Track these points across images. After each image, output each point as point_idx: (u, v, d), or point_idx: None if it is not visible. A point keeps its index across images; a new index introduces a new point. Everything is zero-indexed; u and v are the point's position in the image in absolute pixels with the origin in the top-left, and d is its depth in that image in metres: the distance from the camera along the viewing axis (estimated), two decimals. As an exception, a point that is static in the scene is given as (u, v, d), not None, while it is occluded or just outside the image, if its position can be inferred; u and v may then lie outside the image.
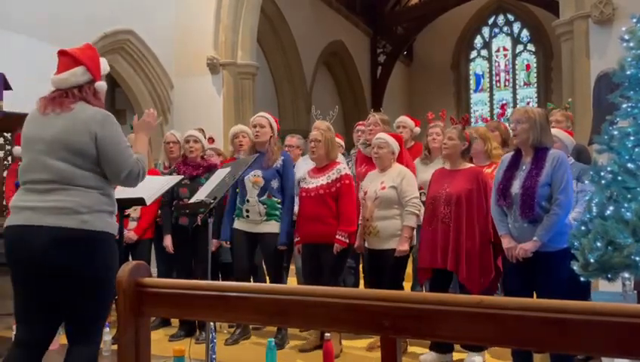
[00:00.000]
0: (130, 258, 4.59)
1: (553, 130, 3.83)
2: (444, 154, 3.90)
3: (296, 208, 4.46)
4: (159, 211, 4.81)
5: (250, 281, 4.48)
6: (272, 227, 4.26)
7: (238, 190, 4.39)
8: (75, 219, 2.27)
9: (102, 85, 2.53)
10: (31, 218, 2.28)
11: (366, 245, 4.14)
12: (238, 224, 4.38)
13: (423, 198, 4.39)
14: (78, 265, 2.29)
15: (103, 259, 2.36)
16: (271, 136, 4.37)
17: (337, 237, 4.00)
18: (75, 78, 2.43)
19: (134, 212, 4.66)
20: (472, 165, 3.89)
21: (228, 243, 4.49)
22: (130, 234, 4.64)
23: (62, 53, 2.50)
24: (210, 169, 4.52)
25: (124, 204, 3.36)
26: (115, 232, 2.47)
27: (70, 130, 2.34)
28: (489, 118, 15.46)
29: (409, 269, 4.38)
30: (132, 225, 4.69)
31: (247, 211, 4.30)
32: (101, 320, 2.49)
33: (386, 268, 3.98)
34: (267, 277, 4.56)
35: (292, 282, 5.51)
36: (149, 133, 2.74)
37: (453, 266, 3.64)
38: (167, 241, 4.59)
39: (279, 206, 4.30)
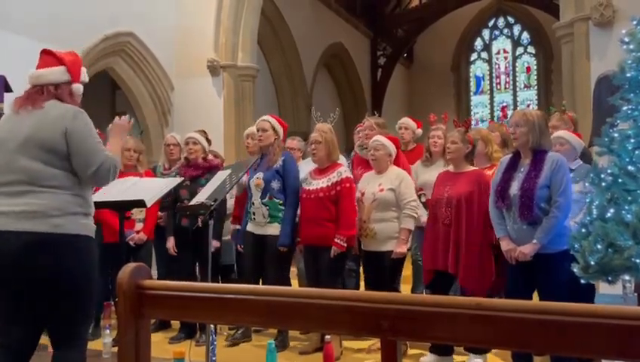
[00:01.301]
0: (131, 259, 4.59)
1: (561, 132, 3.85)
2: (448, 158, 3.91)
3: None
4: (159, 213, 4.82)
5: (257, 283, 4.49)
6: (275, 229, 4.27)
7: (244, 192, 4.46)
8: (47, 223, 2.23)
9: (78, 87, 2.50)
10: (5, 224, 2.23)
11: (362, 246, 4.16)
12: (248, 226, 4.42)
13: (423, 200, 4.40)
14: (53, 270, 2.25)
15: (80, 262, 2.31)
16: (275, 139, 4.38)
17: (336, 240, 4.00)
18: (54, 75, 2.42)
19: (140, 213, 4.66)
20: (475, 168, 3.89)
21: (241, 246, 4.52)
22: (141, 235, 4.64)
23: (45, 52, 2.49)
24: (211, 170, 4.53)
25: (125, 206, 3.37)
26: (92, 234, 2.41)
27: (41, 127, 2.31)
28: (492, 120, 15.45)
29: (408, 272, 4.38)
30: (138, 226, 4.69)
31: (254, 213, 4.33)
32: (83, 323, 2.44)
33: (383, 270, 3.99)
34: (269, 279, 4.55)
35: (293, 284, 5.50)
36: (123, 136, 2.72)
37: (453, 268, 3.64)
38: (170, 243, 4.60)
39: (281, 207, 4.30)
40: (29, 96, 2.41)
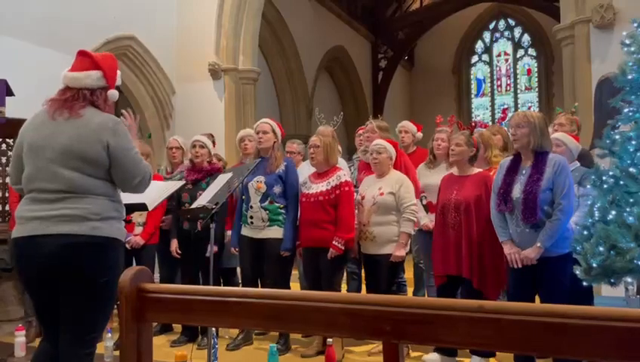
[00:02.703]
0: (134, 263, 4.59)
1: (558, 134, 3.83)
2: (452, 161, 3.87)
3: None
4: (163, 216, 4.82)
5: (256, 286, 4.49)
6: (275, 232, 4.27)
7: (244, 197, 4.41)
8: (86, 226, 2.26)
9: (114, 93, 2.48)
10: (37, 228, 2.25)
11: (361, 250, 4.16)
12: (244, 230, 4.40)
13: (424, 202, 4.40)
14: (88, 269, 2.27)
15: (112, 264, 2.34)
16: (274, 142, 4.38)
17: (334, 243, 4.01)
18: (91, 80, 2.39)
19: (140, 217, 4.66)
20: (480, 170, 3.87)
21: (236, 249, 4.51)
22: (137, 239, 4.63)
23: (82, 54, 2.45)
24: (212, 173, 4.53)
25: (127, 209, 3.37)
26: (124, 238, 2.46)
27: (81, 138, 2.29)
28: (487, 124, 15.44)
29: (410, 274, 4.38)
30: (138, 230, 4.69)
31: (251, 217, 4.31)
32: (102, 324, 2.45)
33: (381, 273, 3.99)
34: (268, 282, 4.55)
35: (295, 287, 5.50)
36: (134, 135, 2.66)
37: (468, 273, 3.61)
38: (174, 246, 4.61)
39: (282, 211, 4.30)
40: (66, 100, 2.36)
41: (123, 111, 2.73)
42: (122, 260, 2.44)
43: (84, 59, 2.43)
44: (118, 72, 2.55)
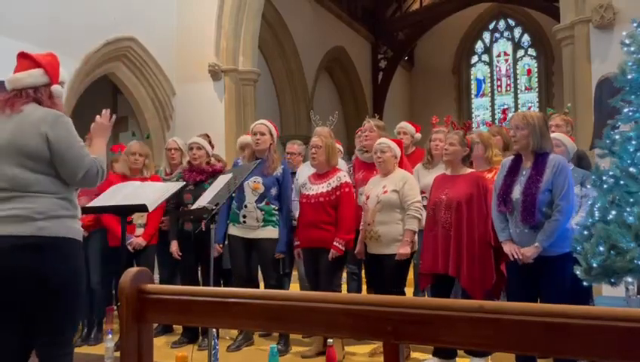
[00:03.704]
0: (134, 264, 4.59)
1: (557, 134, 3.84)
2: (445, 160, 3.89)
3: (296, 214, 4.48)
4: (162, 217, 4.82)
5: (250, 287, 4.48)
6: (269, 233, 4.28)
7: (234, 195, 4.40)
8: (32, 226, 2.21)
9: (58, 89, 2.45)
10: None
11: (367, 250, 4.15)
12: (233, 230, 4.37)
13: (425, 203, 4.39)
14: (40, 272, 2.21)
15: (66, 264, 2.28)
16: (271, 144, 4.38)
17: (335, 244, 4.02)
18: (33, 78, 2.38)
19: (141, 218, 4.66)
20: (473, 170, 3.89)
21: (221, 246, 4.49)
22: (139, 240, 4.63)
23: (22, 56, 2.46)
24: (214, 174, 4.53)
25: (127, 210, 3.37)
26: (79, 237, 2.37)
27: (22, 132, 2.27)
28: (491, 123, 15.45)
29: (410, 275, 4.37)
30: (139, 231, 4.69)
31: (244, 216, 4.30)
32: (69, 329, 2.38)
33: (388, 272, 3.98)
34: (263, 283, 4.54)
35: (295, 288, 5.50)
36: (106, 135, 2.63)
37: (454, 271, 3.63)
38: (174, 247, 4.60)
39: (276, 212, 4.33)
40: (8, 100, 2.35)
41: (104, 110, 2.69)
42: (80, 259, 2.38)
43: (25, 61, 2.44)
44: (62, 69, 2.52)
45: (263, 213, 4.28)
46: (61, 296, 2.27)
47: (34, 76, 2.39)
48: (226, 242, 4.66)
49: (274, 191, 4.31)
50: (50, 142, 2.27)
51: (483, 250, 3.60)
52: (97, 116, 2.64)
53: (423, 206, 4.28)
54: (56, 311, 2.28)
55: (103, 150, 2.57)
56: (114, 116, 2.67)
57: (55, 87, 2.44)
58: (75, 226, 2.36)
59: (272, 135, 4.40)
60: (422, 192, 4.40)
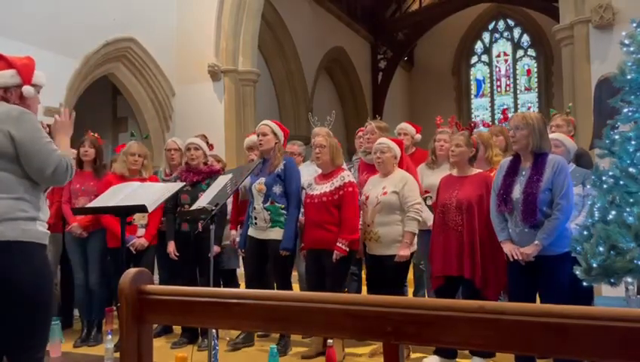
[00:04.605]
0: (132, 264, 4.59)
1: (556, 135, 3.84)
2: (452, 162, 3.88)
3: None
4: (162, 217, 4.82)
5: (258, 287, 4.49)
6: (276, 234, 4.27)
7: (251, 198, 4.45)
8: None
9: (29, 89, 2.41)
10: None
11: (366, 250, 4.14)
12: (250, 231, 4.42)
13: (429, 202, 4.39)
14: None
15: (24, 270, 2.20)
16: (276, 143, 4.39)
17: (338, 244, 4.01)
18: (4, 78, 2.37)
19: (142, 219, 4.66)
20: (480, 170, 3.88)
21: (242, 251, 4.52)
22: (142, 241, 4.62)
23: None
24: (212, 175, 4.54)
25: (127, 211, 3.37)
26: (40, 240, 2.29)
27: None
28: (490, 123, 15.44)
29: (410, 275, 4.37)
30: (140, 231, 4.68)
31: (256, 218, 4.33)
32: (34, 336, 2.28)
33: (388, 273, 3.97)
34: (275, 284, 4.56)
35: (295, 288, 5.50)
36: (68, 132, 2.56)
37: (469, 273, 3.61)
38: (171, 248, 4.60)
39: (283, 211, 4.30)
40: None
41: (63, 109, 2.66)
42: (41, 263, 2.29)
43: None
44: (39, 73, 2.49)
45: (270, 213, 4.28)
46: (22, 303, 2.19)
47: (4, 77, 2.38)
48: (225, 243, 4.67)
49: (277, 189, 4.29)
50: (15, 139, 2.23)
51: (495, 250, 3.57)
52: (56, 115, 2.61)
53: (427, 206, 4.28)
54: (19, 319, 2.20)
55: (68, 148, 2.52)
56: (74, 113, 2.62)
57: (26, 88, 2.41)
58: (34, 229, 2.26)
59: (275, 134, 4.40)
60: (426, 191, 4.40)
